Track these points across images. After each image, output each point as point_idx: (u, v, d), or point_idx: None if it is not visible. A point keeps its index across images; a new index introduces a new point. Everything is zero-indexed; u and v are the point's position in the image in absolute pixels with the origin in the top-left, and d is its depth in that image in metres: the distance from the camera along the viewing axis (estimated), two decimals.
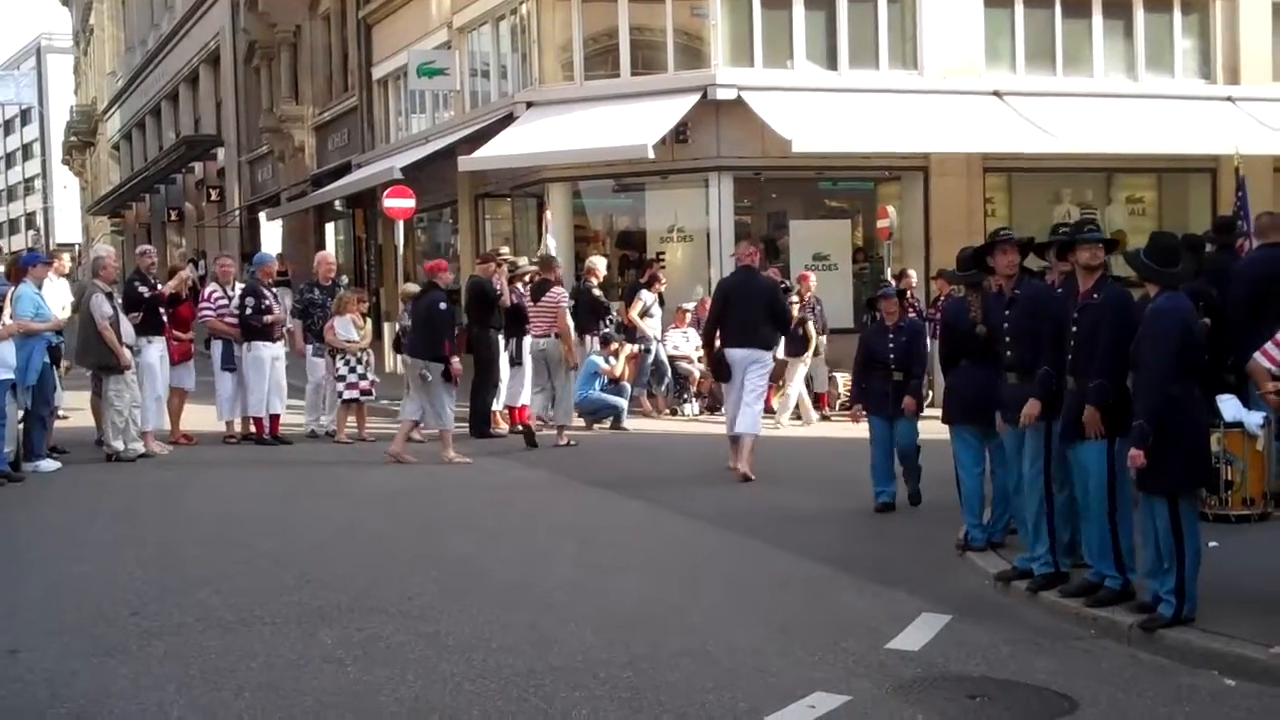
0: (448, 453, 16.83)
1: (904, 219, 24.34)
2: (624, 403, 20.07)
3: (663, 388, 21.46)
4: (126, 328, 16.66)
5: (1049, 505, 9.65)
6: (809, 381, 21.69)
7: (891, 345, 13.38)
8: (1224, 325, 11.85)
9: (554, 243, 23.17)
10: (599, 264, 21.94)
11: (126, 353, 16.50)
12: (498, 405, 19.59)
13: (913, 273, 22.61)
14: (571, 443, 18.03)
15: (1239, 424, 11.65)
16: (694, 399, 21.78)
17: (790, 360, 20.42)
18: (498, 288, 19.04)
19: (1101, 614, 9.07)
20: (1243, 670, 7.95)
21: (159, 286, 17.78)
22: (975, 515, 11.34)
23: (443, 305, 17.18)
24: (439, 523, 13.12)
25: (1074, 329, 9.29)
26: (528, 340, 19.26)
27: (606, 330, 21.15)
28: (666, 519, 13.24)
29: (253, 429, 18.54)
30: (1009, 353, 9.96)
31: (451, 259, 32.01)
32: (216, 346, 18.53)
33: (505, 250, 21.58)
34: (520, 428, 19.35)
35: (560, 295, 18.55)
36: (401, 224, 26.46)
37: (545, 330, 18.34)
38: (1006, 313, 10.02)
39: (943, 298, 19.34)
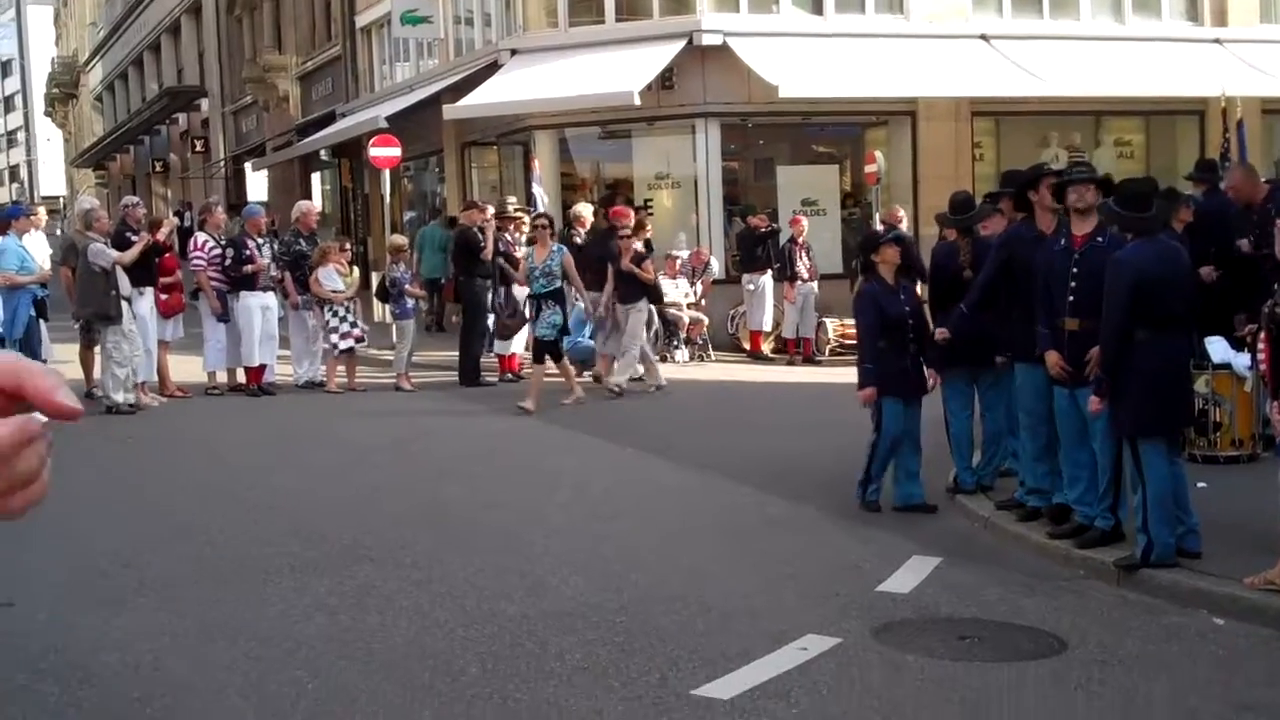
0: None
1: (891, 164, 24.30)
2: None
3: (650, 334, 21.40)
4: (123, 279, 16.62)
5: (1117, 456, 9.18)
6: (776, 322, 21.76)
7: (908, 309, 11.20)
8: (1239, 269, 11.98)
9: (541, 191, 23.11)
10: (585, 212, 21.88)
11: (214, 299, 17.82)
12: (507, 351, 19.63)
13: (901, 212, 22.55)
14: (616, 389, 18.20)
15: (1227, 365, 11.72)
16: (683, 345, 21.78)
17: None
18: (482, 237, 18.98)
19: (1091, 555, 9.15)
20: (1230, 609, 8.02)
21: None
22: (965, 459, 11.39)
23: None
24: (430, 472, 13.15)
25: (1074, 271, 9.34)
26: (515, 289, 19.30)
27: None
28: (657, 466, 13.28)
29: (241, 380, 18.53)
30: (1072, 299, 9.41)
31: (438, 208, 32.07)
32: (209, 299, 18.47)
33: (512, 200, 21.57)
34: (509, 376, 19.40)
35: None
36: (387, 173, 26.36)
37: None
38: (1077, 256, 9.39)
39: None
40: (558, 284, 16.65)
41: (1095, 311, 8.96)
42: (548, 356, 17.01)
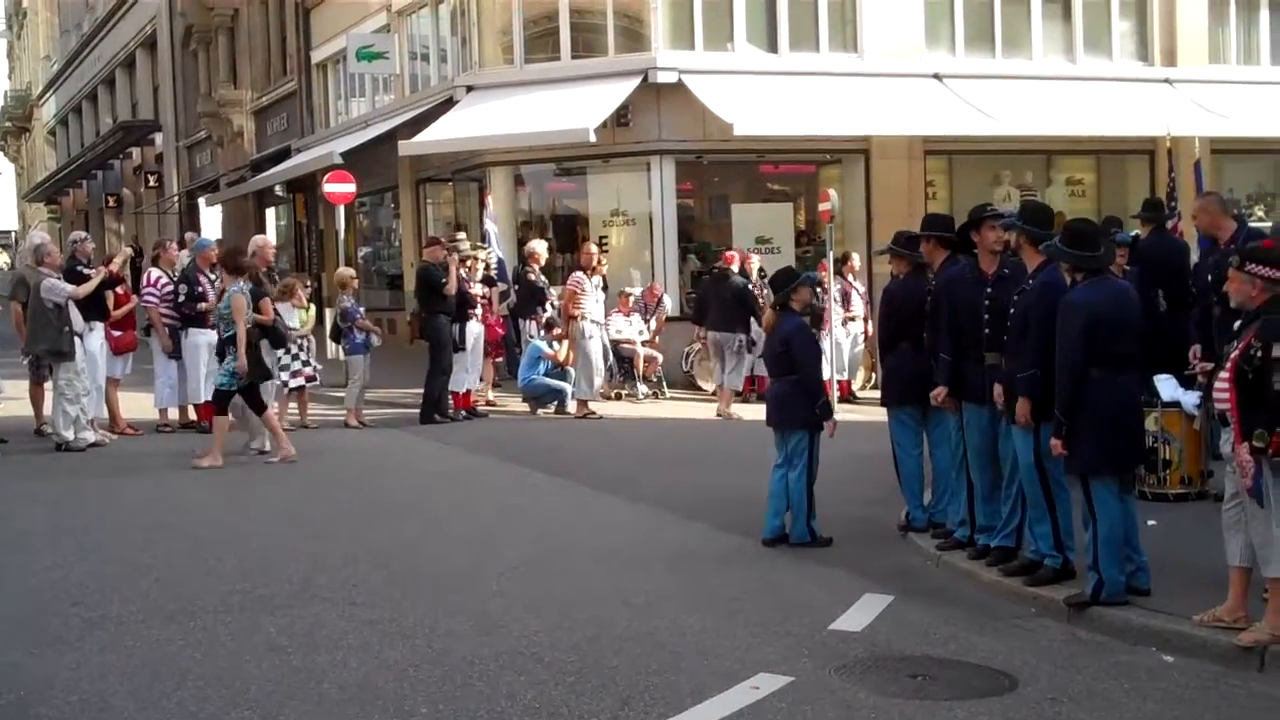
0: (727, 408, 19.70)
1: (845, 202, 24.38)
2: (569, 387, 20.07)
3: (605, 372, 21.40)
4: (75, 314, 16.52)
5: (1047, 493, 9.48)
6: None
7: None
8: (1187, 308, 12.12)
9: (494, 227, 23.12)
10: (539, 249, 21.96)
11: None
12: (461, 388, 19.58)
13: (856, 256, 22.69)
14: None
15: (1176, 404, 11.80)
16: (641, 382, 21.76)
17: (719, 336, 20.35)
18: (444, 274, 18.95)
19: (1041, 592, 9.19)
20: (1180, 646, 8.07)
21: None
22: (916, 496, 11.44)
23: (748, 286, 19.98)
24: (382, 509, 13.10)
25: (987, 306, 9.88)
26: (471, 325, 19.38)
27: (549, 315, 21.21)
28: (611, 503, 13.28)
29: (192, 416, 18.42)
30: (987, 331, 9.95)
31: (394, 244, 32.05)
32: (160, 336, 18.35)
33: (462, 236, 21.51)
34: (464, 414, 19.39)
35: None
36: (342, 209, 26.36)
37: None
38: (989, 290, 10.05)
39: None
40: (234, 329, 15.51)
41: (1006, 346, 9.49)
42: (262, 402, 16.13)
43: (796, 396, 11.23)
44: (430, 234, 25.30)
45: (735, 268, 20.74)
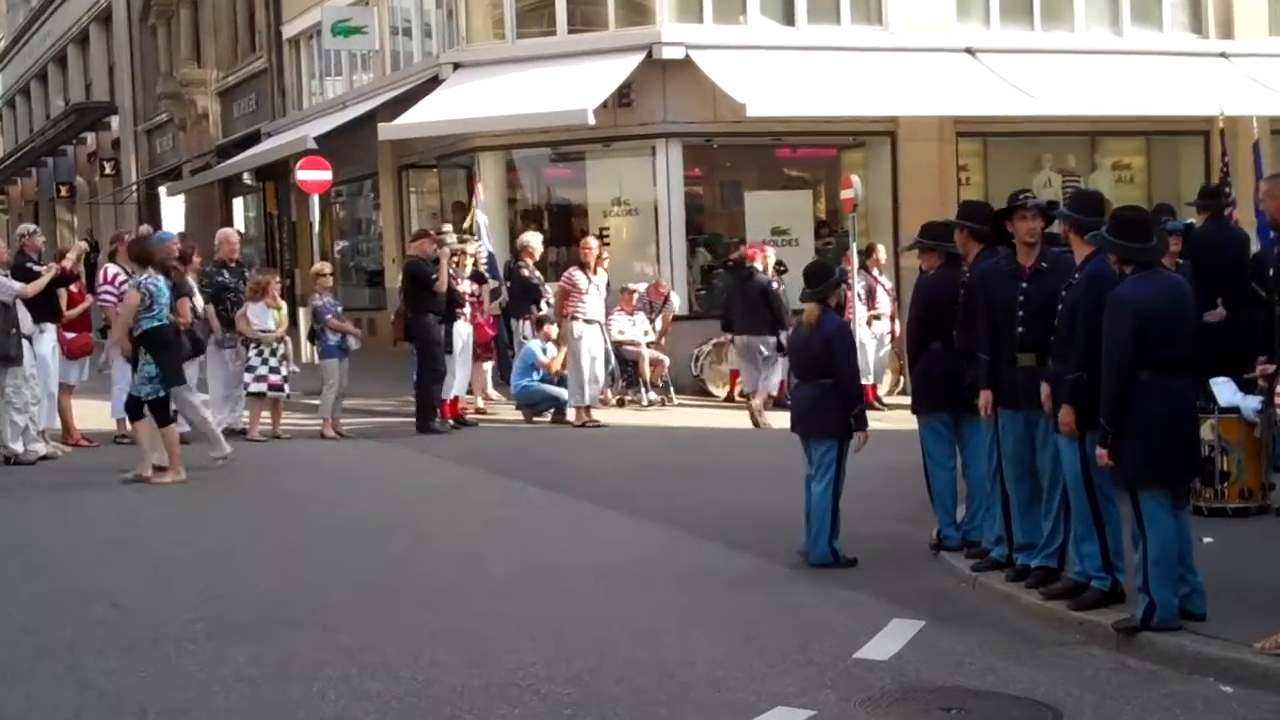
0: (761, 416, 19.48)
1: (870, 189, 24.35)
2: (566, 394, 20.06)
3: (608, 376, 21.37)
4: (24, 315, 16.50)
5: (1094, 508, 9.43)
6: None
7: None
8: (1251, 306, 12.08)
9: (485, 218, 23.12)
10: (534, 242, 21.91)
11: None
12: (448, 395, 19.56)
13: (881, 248, 22.67)
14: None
15: (1235, 409, 11.75)
16: (645, 388, 21.72)
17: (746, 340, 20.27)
18: (434, 269, 18.92)
19: (1087, 617, 9.17)
20: (1239, 676, 8.04)
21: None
22: (949, 512, 11.42)
23: (777, 286, 20.01)
24: (361, 527, 13.09)
25: (1021, 303, 9.91)
26: (458, 325, 19.37)
27: (542, 314, 21.12)
28: (612, 519, 13.28)
29: None
30: (1021, 330, 9.98)
31: (373, 237, 32.04)
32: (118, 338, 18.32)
33: (447, 229, 21.51)
34: (452, 423, 19.38)
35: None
36: (317, 198, 26.35)
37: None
38: (1025, 285, 10.05)
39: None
40: (147, 324, 15.24)
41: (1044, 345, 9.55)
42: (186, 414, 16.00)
43: (830, 401, 11.24)
44: (419, 227, 25.25)
45: (760, 265, 20.56)
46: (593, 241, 20.95)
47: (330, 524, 13.26)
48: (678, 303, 22.98)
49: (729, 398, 22.40)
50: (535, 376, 20.37)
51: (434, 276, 18.88)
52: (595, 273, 20.05)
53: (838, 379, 11.25)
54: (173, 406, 15.67)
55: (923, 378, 11.57)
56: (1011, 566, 10.35)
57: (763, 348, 19.98)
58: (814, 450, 11.36)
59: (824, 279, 11.56)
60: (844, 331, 11.65)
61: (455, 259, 19.79)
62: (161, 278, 15.52)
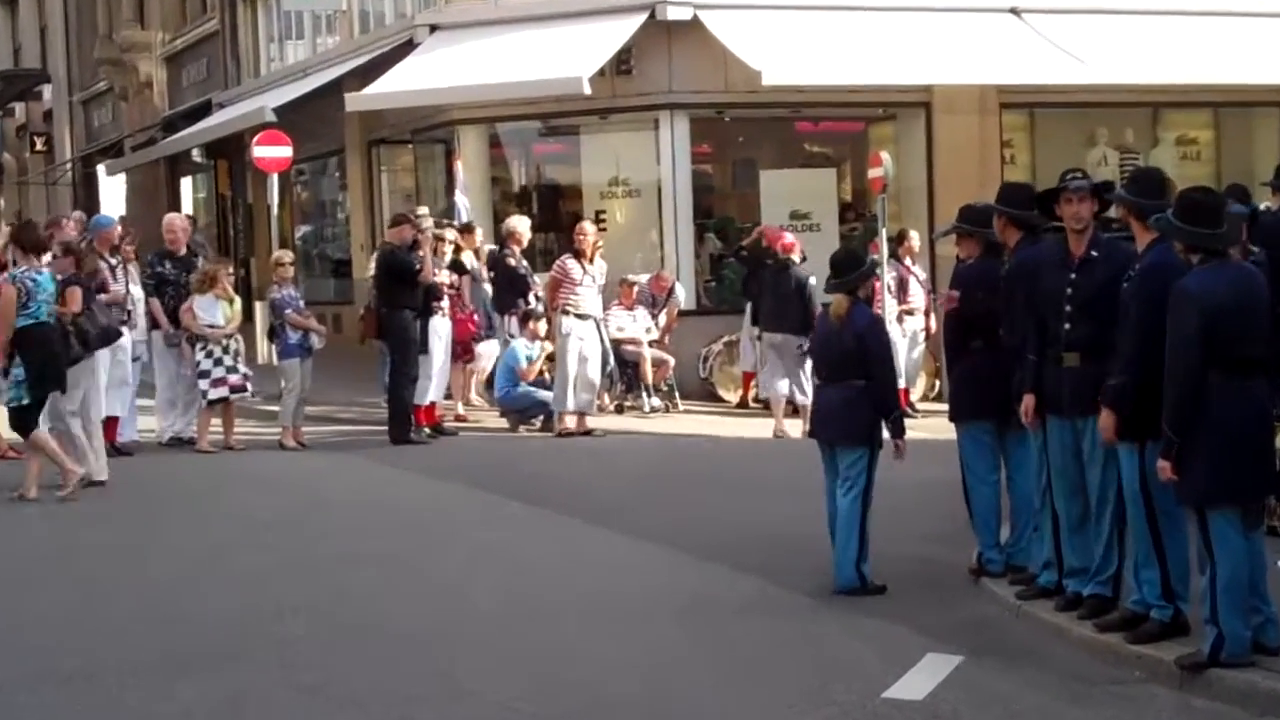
0: (780, 425, 19.80)
1: (902, 167, 24.31)
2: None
3: (604, 376, 21.32)
4: None
5: (1154, 529, 9.41)
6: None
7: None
8: None
9: (465, 201, 23.12)
10: (521, 227, 21.86)
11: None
12: (424, 400, 19.54)
13: (914, 234, 22.65)
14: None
15: None
16: (647, 392, 21.68)
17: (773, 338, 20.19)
18: (416, 259, 18.91)
19: (1147, 651, 9.17)
20: None
21: None
22: (991, 534, 11.42)
23: (813, 280, 19.18)
24: (325, 550, 13.08)
25: (1069, 296, 9.89)
26: (435, 321, 19.37)
27: (530, 308, 21.01)
28: (609, 540, 13.31)
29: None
30: (1067, 326, 9.96)
31: (340, 222, 32.04)
32: None
33: (422, 211, 21.51)
34: (428, 431, 19.36)
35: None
36: (275, 178, 26.37)
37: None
38: (1073, 276, 10.02)
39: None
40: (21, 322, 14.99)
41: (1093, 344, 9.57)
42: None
43: (860, 405, 11.27)
44: (390, 209, 25.28)
45: (797, 256, 20.42)
46: (589, 226, 20.94)
47: (291, 546, 13.26)
48: (683, 296, 22.95)
49: (742, 403, 22.42)
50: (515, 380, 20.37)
51: (418, 266, 18.85)
52: (591, 262, 20.03)
53: (873, 380, 11.26)
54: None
55: (962, 381, 11.57)
56: (1061, 594, 10.34)
57: (797, 347, 19.83)
58: (841, 459, 11.36)
59: (855, 268, 11.58)
60: (878, 326, 11.69)
61: (434, 247, 19.80)
62: (45, 270, 15.40)
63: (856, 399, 11.30)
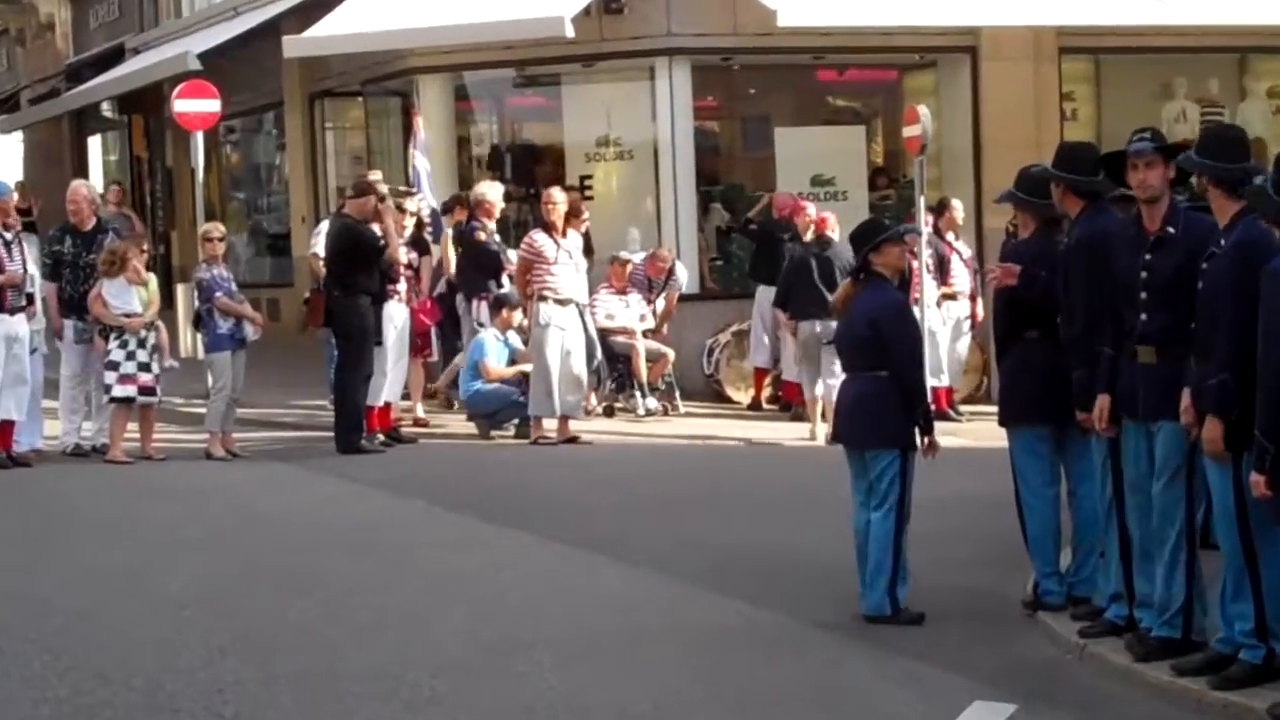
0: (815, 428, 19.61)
1: (944, 124, 24.38)
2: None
3: (591, 373, 21.25)
4: None
5: (1249, 554, 9.39)
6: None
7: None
8: None
9: (426, 164, 23.08)
10: (493, 195, 21.79)
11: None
12: (378, 401, 19.51)
13: (958, 204, 22.64)
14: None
15: None
16: (642, 392, 21.65)
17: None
18: (380, 234, 18.88)
19: (1234, 699, 9.18)
20: None
21: None
22: (1049, 560, 11.41)
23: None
24: (261, 579, 13.09)
25: (1144, 280, 9.86)
26: (390, 308, 19.40)
27: (502, 292, 20.95)
28: (599, 568, 13.31)
29: None
30: (1143, 316, 9.96)
31: (277, 189, 32.03)
32: None
33: (375, 176, 21.49)
34: (381, 438, 19.35)
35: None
36: (201, 137, 26.33)
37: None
38: (1148, 257, 9.99)
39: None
40: None
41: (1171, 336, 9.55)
42: None
43: (886, 400, 11.30)
44: (337, 173, 25.27)
45: (835, 233, 20.31)
46: (558, 194, 20.67)
47: (221, 577, 13.24)
48: (684, 278, 22.93)
49: (754, 404, 22.41)
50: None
51: (383, 243, 18.81)
52: (564, 235, 19.89)
53: (893, 369, 11.27)
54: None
55: (1015, 377, 11.51)
56: (1133, 631, 10.36)
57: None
58: (870, 465, 11.36)
59: (870, 236, 11.59)
60: (896, 308, 11.61)
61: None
62: None
63: (882, 392, 11.32)
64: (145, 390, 18.46)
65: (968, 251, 22.40)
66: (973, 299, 21.96)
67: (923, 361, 11.71)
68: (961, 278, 22.07)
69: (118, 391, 18.37)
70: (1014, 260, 11.58)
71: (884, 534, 11.20)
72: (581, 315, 20.06)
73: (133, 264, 18.75)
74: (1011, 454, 11.54)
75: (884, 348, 11.28)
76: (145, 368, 18.36)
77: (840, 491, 11.77)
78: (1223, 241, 9.34)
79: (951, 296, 21.91)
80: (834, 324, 19.02)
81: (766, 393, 22.44)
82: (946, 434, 18.45)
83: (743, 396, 22.77)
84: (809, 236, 20.85)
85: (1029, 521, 11.45)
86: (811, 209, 21.49)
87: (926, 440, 11.37)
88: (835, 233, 20.27)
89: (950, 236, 22.13)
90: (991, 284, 11.89)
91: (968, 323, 22.11)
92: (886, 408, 11.29)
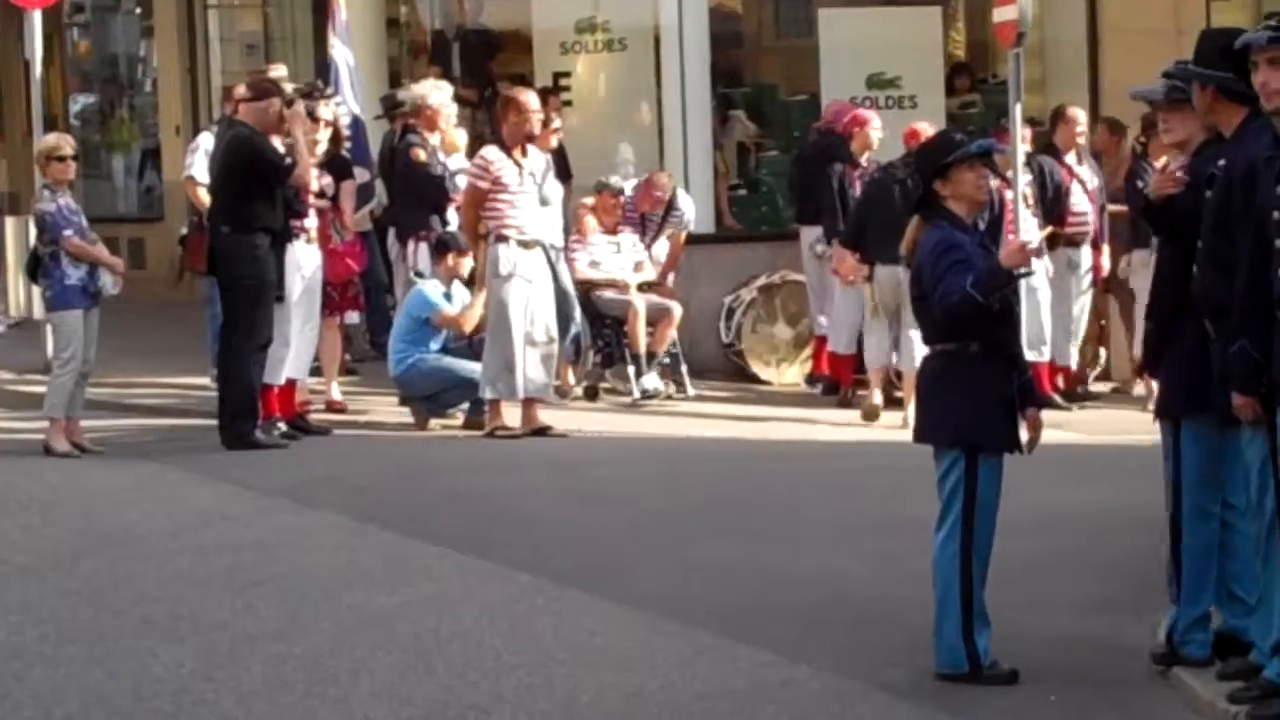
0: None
1: (1047, 7, 24.43)
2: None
3: (568, 342, 21.15)
4: None
5: None
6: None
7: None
8: None
9: (349, 55, 23.08)
10: (435, 100, 21.78)
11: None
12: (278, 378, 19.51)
13: (1078, 113, 22.58)
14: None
15: None
16: (639, 366, 21.61)
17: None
18: (285, 151, 18.88)
19: None
20: None
21: None
22: (1202, 599, 11.36)
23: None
24: (122, 622, 13.11)
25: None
26: (298, 250, 19.37)
27: (445, 232, 20.93)
28: (584, 608, 13.33)
29: None
30: None
31: (143, 89, 32.10)
32: None
33: (279, 72, 21.50)
34: (282, 428, 19.35)
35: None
36: (38, 19, 26.38)
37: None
38: None
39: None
40: None
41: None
42: None
43: (947, 381, 11.34)
44: (224, 68, 25.29)
45: None
46: (527, 97, 20.60)
47: (65, 619, 13.29)
48: (691, 212, 22.83)
49: (825, 380, 22.27)
50: (433, 345, 20.33)
51: (289, 163, 18.78)
52: (525, 155, 19.74)
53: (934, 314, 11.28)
54: None
55: (1178, 353, 11.42)
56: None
57: None
58: (936, 469, 11.36)
59: (936, 157, 11.53)
60: (938, 248, 11.44)
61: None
62: None
63: (942, 371, 11.39)
64: None
65: (1094, 180, 22.24)
66: (1095, 245, 21.81)
67: (960, 281, 11.45)
68: (1084, 214, 21.94)
69: None
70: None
71: (946, 562, 11.19)
72: (552, 263, 19.92)
73: None
74: (1171, 454, 11.42)
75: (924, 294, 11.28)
76: None
77: (911, 505, 11.78)
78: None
79: (1072, 241, 21.73)
80: None
81: (806, 368, 22.44)
82: (1050, 427, 18.56)
83: (773, 374, 22.72)
84: (865, 159, 20.92)
85: (1187, 546, 11.38)
86: (876, 121, 21.54)
87: (1028, 414, 11.33)
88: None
89: (1070, 158, 21.99)
90: (1156, 191, 11.59)
91: (1088, 277, 21.96)
92: (949, 389, 11.29)
